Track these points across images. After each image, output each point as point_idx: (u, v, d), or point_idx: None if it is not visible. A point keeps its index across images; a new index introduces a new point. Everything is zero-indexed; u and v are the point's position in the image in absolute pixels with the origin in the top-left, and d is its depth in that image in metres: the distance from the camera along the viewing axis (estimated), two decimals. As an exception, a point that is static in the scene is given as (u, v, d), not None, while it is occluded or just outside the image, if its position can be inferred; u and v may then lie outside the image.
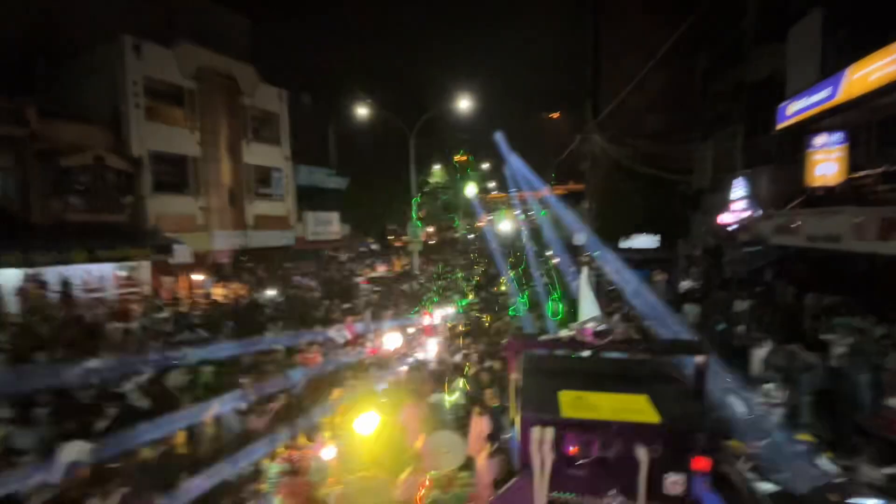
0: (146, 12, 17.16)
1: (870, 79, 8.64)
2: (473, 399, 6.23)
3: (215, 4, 20.13)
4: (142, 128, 15.72)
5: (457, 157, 39.69)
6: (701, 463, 0.95)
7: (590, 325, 1.21)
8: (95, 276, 14.58)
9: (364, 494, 2.88)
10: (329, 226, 25.21)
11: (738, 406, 6.12)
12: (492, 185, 49.86)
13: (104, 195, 14.45)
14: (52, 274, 13.02)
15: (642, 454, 0.96)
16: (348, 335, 9.84)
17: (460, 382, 6.86)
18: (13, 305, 12.01)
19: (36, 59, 15.51)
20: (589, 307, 5.87)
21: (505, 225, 44.87)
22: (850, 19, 10.42)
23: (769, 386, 6.00)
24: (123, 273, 15.47)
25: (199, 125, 17.77)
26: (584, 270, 9.64)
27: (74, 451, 4.33)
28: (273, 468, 4.42)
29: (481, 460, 4.56)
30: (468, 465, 5.37)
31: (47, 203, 13.19)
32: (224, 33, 19.49)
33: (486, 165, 44.64)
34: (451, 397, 6.47)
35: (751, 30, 15.23)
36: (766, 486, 3.78)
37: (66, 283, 13.07)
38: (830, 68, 9.90)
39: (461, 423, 6.14)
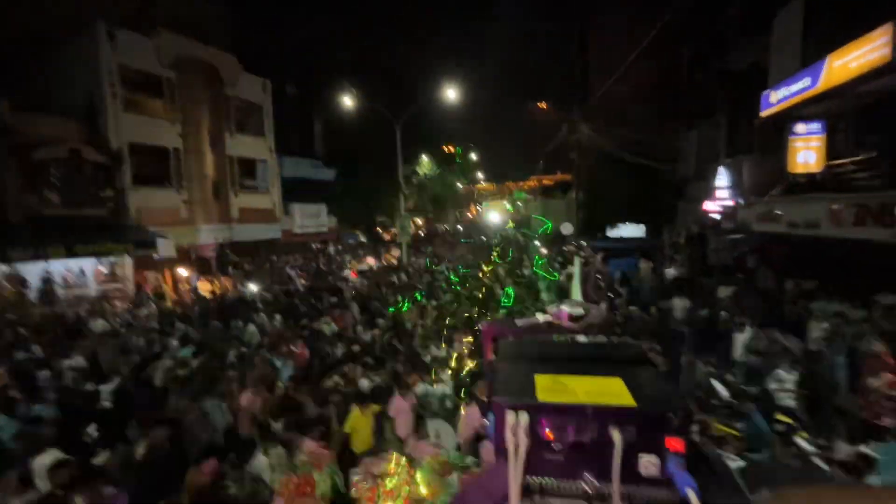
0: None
1: (850, 66, 8.77)
2: (462, 389, 6.27)
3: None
4: (120, 119, 15.28)
5: (445, 148, 39.49)
6: (674, 443, 0.96)
7: (566, 310, 1.22)
8: (75, 272, 14.25)
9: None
10: (316, 218, 24.97)
11: (718, 389, 6.26)
12: (480, 175, 49.82)
13: (82, 189, 14.06)
14: (30, 270, 12.69)
15: (617, 436, 0.96)
16: (336, 328, 9.80)
17: (447, 373, 6.89)
18: (-11, 303, 11.70)
19: (7, 49, 14.91)
20: (578, 296, 5.93)
21: (494, 216, 44.99)
22: (831, 9, 10.55)
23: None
24: (104, 269, 15.14)
25: (181, 116, 17.34)
26: (576, 260, 9.73)
27: (49, 459, 4.24)
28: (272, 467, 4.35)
29: (486, 450, 4.55)
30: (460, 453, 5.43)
31: (23, 198, 12.80)
32: (204, 21, 18.95)
33: (474, 155, 44.50)
34: (439, 388, 6.50)
35: (734, 20, 15.34)
36: (743, 465, 3.89)
37: (44, 280, 12.75)
38: (812, 57, 10.04)
39: (450, 414, 6.18)
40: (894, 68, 7.81)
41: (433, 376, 6.62)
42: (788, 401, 5.84)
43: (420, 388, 6.32)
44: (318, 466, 3.52)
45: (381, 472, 2.98)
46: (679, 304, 9.75)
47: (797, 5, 11.15)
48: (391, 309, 10.99)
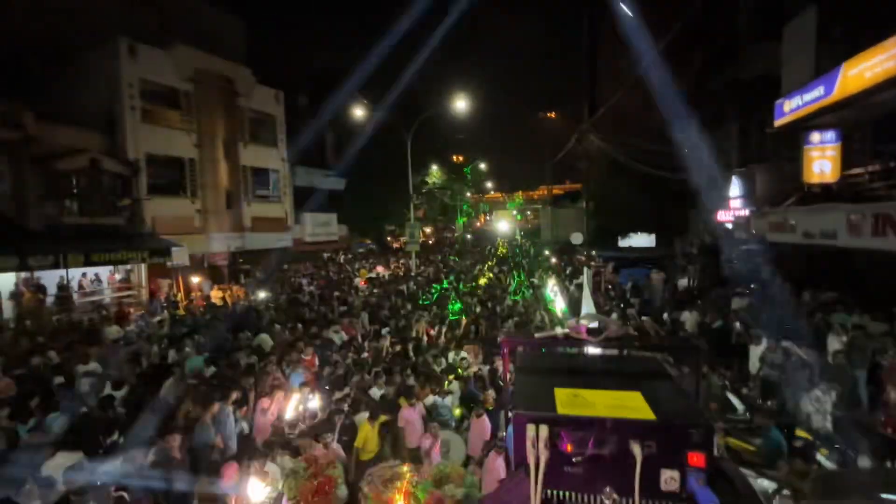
0: (141, 14, 17.12)
1: (865, 75, 8.67)
2: (472, 400, 6.24)
3: (210, 6, 20.08)
4: (137, 130, 15.67)
5: (454, 158, 39.78)
6: (695, 459, 0.95)
7: (584, 323, 1.22)
8: (91, 278, 14.53)
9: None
10: (327, 227, 25.20)
11: (734, 403, 6.13)
12: (489, 184, 49.97)
13: (100, 198, 14.39)
14: (48, 277, 12.97)
15: (637, 451, 0.96)
16: (345, 336, 9.82)
17: (457, 384, 6.87)
18: (8, 310, 11.95)
19: (30, 61, 15.44)
20: (590, 306, 5.90)
21: (503, 225, 44.99)
22: (844, 17, 10.48)
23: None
24: (119, 276, 15.42)
25: (196, 127, 17.72)
26: (586, 270, 9.64)
27: (63, 462, 4.29)
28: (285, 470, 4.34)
29: (491, 460, 4.53)
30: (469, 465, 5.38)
31: (43, 206, 13.13)
32: (219, 35, 19.45)
33: (483, 165, 44.69)
34: (449, 399, 6.47)
35: (745, 28, 15.29)
36: (764, 482, 3.79)
37: (61, 287, 13.00)
38: (826, 66, 9.95)
39: (460, 424, 6.15)
40: (911, 77, 7.71)
41: (443, 387, 6.59)
42: (826, 424, 5.62)
43: (429, 399, 6.30)
44: (322, 468, 3.48)
45: (390, 477, 2.98)
46: (689, 318, 9.49)
47: (810, 14, 11.09)
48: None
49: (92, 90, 15.61)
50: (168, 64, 16.63)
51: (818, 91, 10.01)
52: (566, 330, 1.25)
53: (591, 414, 1.01)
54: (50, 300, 12.81)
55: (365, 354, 8.49)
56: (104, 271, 14.82)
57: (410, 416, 5.82)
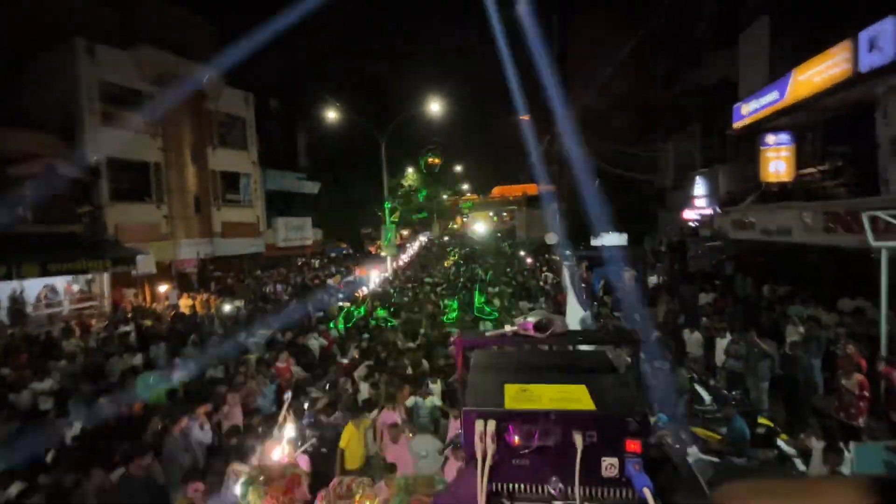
0: (101, 14, 16.46)
1: (814, 80, 9.20)
2: (450, 402, 6.25)
3: (176, 6, 19.49)
4: (98, 134, 15.01)
5: (429, 160, 39.84)
6: (632, 446, 1.00)
7: (530, 320, 1.26)
8: (48, 289, 13.83)
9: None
10: (301, 231, 24.75)
11: (703, 394, 6.36)
12: (465, 186, 50.22)
13: (57, 205, 13.69)
14: (1, 289, 12.27)
15: (579, 440, 1.00)
16: (324, 342, 9.68)
17: (437, 385, 6.87)
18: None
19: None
20: (574, 304, 6.03)
21: (479, 226, 45.28)
22: (794, 25, 11.09)
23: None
24: (76, 286, 14.70)
25: (161, 130, 17.13)
26: (564, 269, 9.77)
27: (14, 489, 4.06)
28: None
29: (451, 460, 4.57)
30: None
31: (-6, 215, 12.41)
32: (187, 36, 18.88)
33: (458, 167, 44.93)
34: (428, 401, 6.47)
35: (706, 36, 15.97)
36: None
37: (12, 299, 12.31)
38: (779, 71, 10.50)
39: (439, 426, 6.14)
40: (856, 82, 8.22)
41: (422, 388, 6.58)
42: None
43: (410, 400, 6.28)
44: (280, 471, 3.42)
45: (349, 485, 2.99)
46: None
47: (763, 22, 11.69)
48: (374, 321, 10.94)
49: (48, 92, 14.87)
50: (130, 65, 16.04)
51: (772, 95, 10.54)
52: (514, 328, 1.30)
53: (537, 407, 1.05)
54: (3, 314, 12.11)
55: (345, 360, 8.38)
56: (61, 282, 14.10)
57: (390, 420, 5.78)
